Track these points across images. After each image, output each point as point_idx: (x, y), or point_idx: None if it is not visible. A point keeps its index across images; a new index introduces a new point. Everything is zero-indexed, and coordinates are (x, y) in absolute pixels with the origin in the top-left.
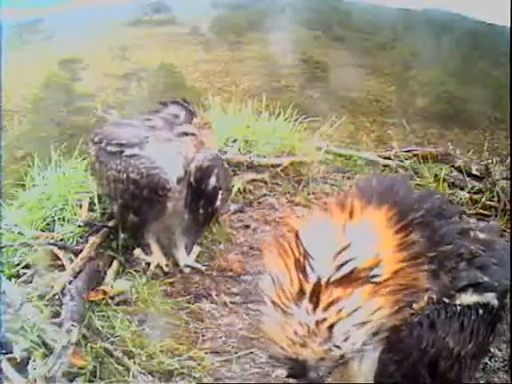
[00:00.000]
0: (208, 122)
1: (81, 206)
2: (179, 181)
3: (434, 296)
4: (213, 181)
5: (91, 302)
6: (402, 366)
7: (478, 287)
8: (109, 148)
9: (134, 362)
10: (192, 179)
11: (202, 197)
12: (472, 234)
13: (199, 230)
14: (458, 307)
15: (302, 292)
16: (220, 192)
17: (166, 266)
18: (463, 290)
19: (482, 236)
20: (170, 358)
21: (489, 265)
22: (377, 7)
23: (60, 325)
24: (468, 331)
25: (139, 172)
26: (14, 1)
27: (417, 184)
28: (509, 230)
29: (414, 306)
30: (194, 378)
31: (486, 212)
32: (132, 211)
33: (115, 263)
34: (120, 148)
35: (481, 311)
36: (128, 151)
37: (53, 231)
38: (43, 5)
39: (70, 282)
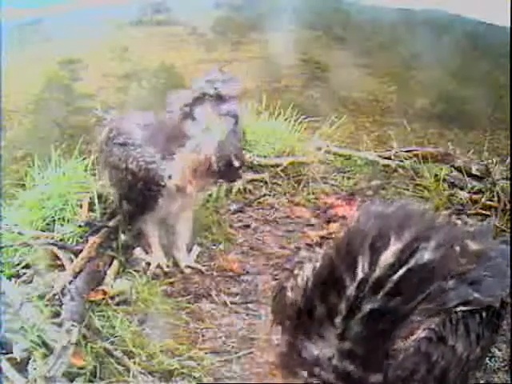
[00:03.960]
0: None
1: (81, 206)
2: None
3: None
4: None
5: (91, 302)
6: (409, 381)
7: (468, 305)
8: (115, 140)
9: (134, 362)
10: None
11: None
12: (459, 248)
13: None
14: (460, 313)
15: None
16: None
17: (167, 266)
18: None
19: (473, 247)
20: (170, 357)
21: (481, 279)
22: (377, 7)
23: (60, 325)
24: (473, 335)
25: (138, 164)
26: (14, 1)
27: (417, 184)
28: (509, 230)
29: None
30: (194, 378)
31: (486, 212)
32: (126, 200)
33: (115, 263)
34: (125, 142)
35: (484, 314)
36: (132, 146)
37: (53, 231)
38: (43, 5)
39: (70, 282)
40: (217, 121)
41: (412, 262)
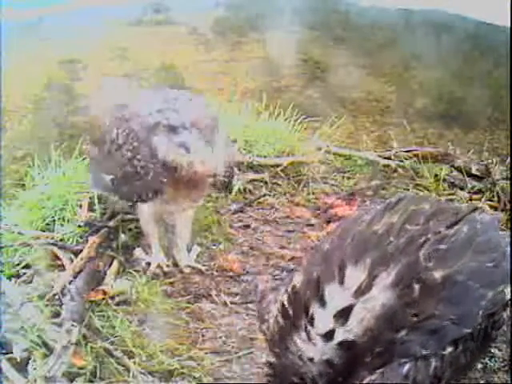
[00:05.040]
0: None
1: (81, 206)
2: None
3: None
4: None
5: (91, 302)
6: None
7: (418, 360)
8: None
9: (134, 362)
10: None
11: None
12: (417, 287)
13: None
14: (407, 365)
15: None
16: None
17: (167, 266)
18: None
19: (437, 275)
20: (170, 357)
21: (442, 326)
22: (377, 7)
23: (60, 325)
24: (431, 378)
25: (132, 167)
26: (14, 1)
27: (417, 184)
28: (509, 230)
29: None
30: (194, 377)
31: None
32: (124, 186)
33: (115, 263)
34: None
35: (449, 349)
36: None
37: (53, 231)
38: (43, 5)
39: (70, 282)
40: (173, 150)
41: (352, 324)
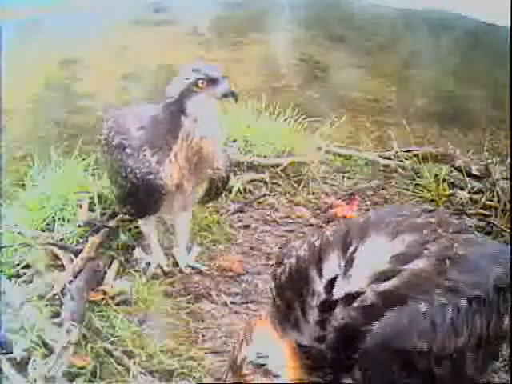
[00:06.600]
0: None
1: (81, 206)
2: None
3: None
4: None
5: (91, 302)
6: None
7: (432, 304)
8: (113, 142)
9: (134, 362)
10: None
11: None
12: (448, 262)
13: None
14: (425, 306)
15: None
16: None
17: (167, 266)
18: None
19: (460, 253)
20: (169, 358)
21: (456, 288)
22: (377, 6)
23: (60, 325)
24: (448, 327)
25: (135, 176)
26: (14, 1)
27: (417, 184)
28: (509, 230)
29: None
30: (194, 378)
31: (486, 212)
32: (128, 204)
33: (115, 263)
34: (121, 143)
35: (463, 304)
36: (128, 150)
37: (53, 231)
38: (43, 5)
39: (70, 282)
40: (210, 107)
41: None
